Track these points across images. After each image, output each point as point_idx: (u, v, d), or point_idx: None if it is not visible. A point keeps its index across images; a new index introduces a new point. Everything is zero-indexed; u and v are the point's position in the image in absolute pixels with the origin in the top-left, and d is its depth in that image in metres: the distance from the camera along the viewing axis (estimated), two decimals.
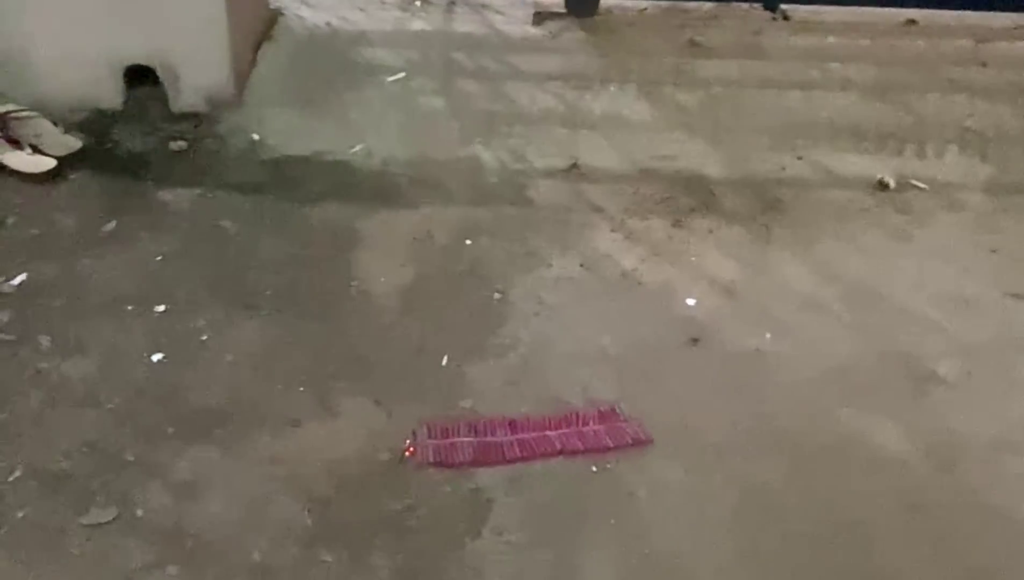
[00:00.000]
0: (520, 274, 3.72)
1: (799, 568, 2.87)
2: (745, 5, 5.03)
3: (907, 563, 2.87)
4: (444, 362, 3.39)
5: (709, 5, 5.05)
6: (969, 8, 4.87)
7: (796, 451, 3.17)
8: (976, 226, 3.95)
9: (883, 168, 4.18)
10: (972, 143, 4.30)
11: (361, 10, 5.02)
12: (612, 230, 3.92)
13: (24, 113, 4.31)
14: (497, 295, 3.64)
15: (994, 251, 3.84)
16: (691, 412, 3.26)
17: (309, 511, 2.94)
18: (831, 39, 4.84)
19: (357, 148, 4.27)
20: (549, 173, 4.17)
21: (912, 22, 4.95)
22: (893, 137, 4.33)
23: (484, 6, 5.03)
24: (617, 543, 2.90)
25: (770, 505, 3.02)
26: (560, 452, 3.13)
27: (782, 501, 3.03)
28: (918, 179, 4.15)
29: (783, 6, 5.00)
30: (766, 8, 4.97)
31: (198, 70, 4.40)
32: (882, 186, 4.11)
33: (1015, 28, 4.85)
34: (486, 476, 3.05)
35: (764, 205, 4.05)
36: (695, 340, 3.49)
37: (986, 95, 4.51)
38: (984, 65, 4.68)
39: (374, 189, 4.09)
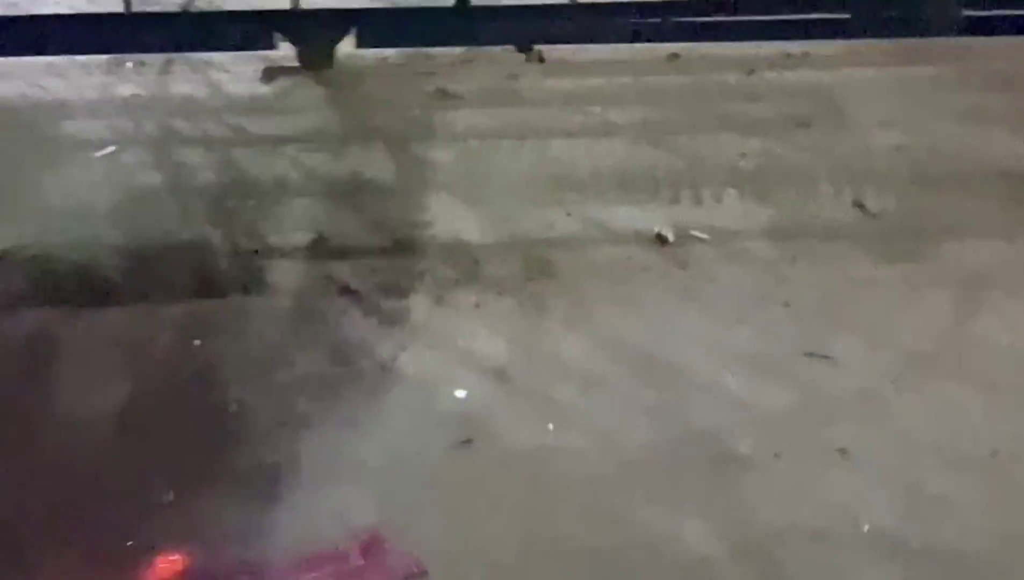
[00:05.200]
0: (259, 378, 3.16)
1: None
2: (497, 48, 4.61)
3: None
4: (170, 498, 2.80)
5: (459, 50, 4.61)
6: (734, 39, 4.55)
7: (596, 565, 2.70)
8: (764, 277, 3.61)
9: (660, 219, 3.81)
10: (749, 184, 3.98)
11: (60, 76, 4.39)
12: (365, 315, 3.41)
13: None
14: (234, 406, 3.07)
15: (786, 305, 3.50)
16: (469, 532, 2.76)
17: None
18: (591, 80, 4.48)
19: (60, 238, 3.64)
20: (289, 252, 3.63)
21: (675, 56, 4.63)
22: (666, 184, 3.98)
23: (206, 63, 4.46)
24: None
25: None
26: None
27: None
28: (698, 229, 3.79)
29: (538, 47, 4.60)
30: (519, 50, 4.56)
31: None
32: (660, 240, 3.74)
33: (784, 57, 4.58)
34: None
35: (534, 270, 3.62)
36: (468, 441, 3.00)
37: (759, 130, 4.21)
38: (753, 99, 4.39)
39: (79, 285, 3.47)
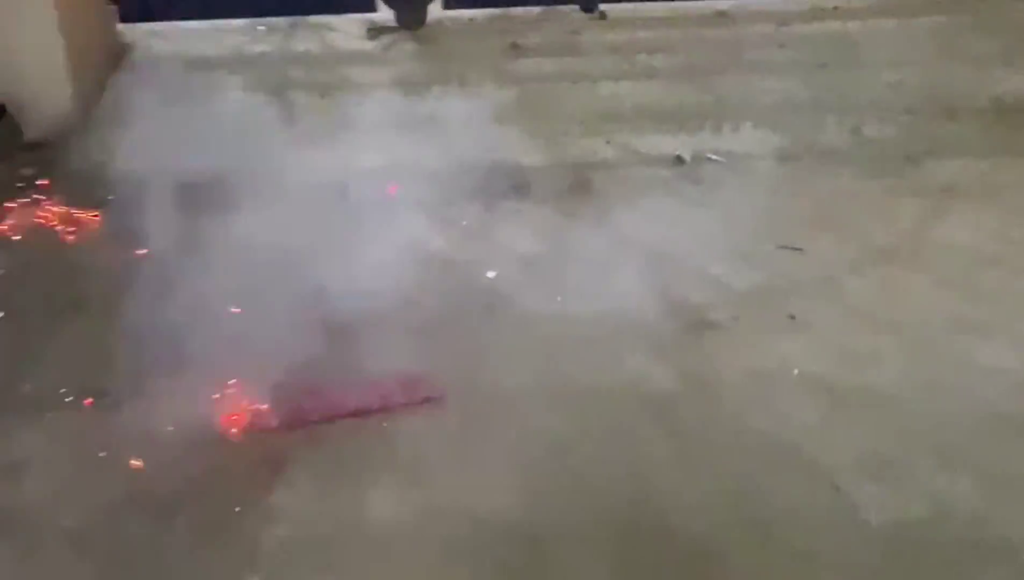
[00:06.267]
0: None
1: (574, 498, 3.15)
2: (568, 8, 5.38)
3: (673, 484, 3.16)
4: None
5: (536, 10, 5.39)
6: None
7: (579, 396, 3.44)
8: (762, 189, 4.29)
9: (682, 145, 4.52)
10: (765, 117, 4.65)
11: (208, 39, 5.34)
12: (428, 217, 4.22)
13: None
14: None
15: (775, 210, 4.18)
16: (483, 371, 3.55)
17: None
18: (643, 33, 5.20)
19: (196, 161, 4.56)
20: (372, 172, 4.47)
21: (722, 13, 5.31)
22: (693, 117, 4.68)
23: (322, 26, 5.35)
24: (399, 487, 3.19)
25: (549, 445, 3.30)
26: (355, 413, 3.41)
27: (561, 441, 3.31)
28: (714, 152, 4.49)
29: (603, 6, 5.35)
30: (584, 10, 5.32)
31: (44, 103, 4.73)
32: (679, 161, 4.45)
33: (817, 10, 5.21)
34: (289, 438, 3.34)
35: (573, 186, 4.38)
36: (491, 307, 3.78)
37: (781, 73, 4.87)
38: (782, 46, 5.04)
39: (211, 196, 4.36)
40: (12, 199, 4.44)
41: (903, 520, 3.01)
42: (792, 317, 3.70)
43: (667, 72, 4.91)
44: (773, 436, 3.29)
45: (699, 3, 5.29)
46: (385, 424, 3.37)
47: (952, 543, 2.89)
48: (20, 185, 4.52)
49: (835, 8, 5.13)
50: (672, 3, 5.28)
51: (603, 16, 5.30)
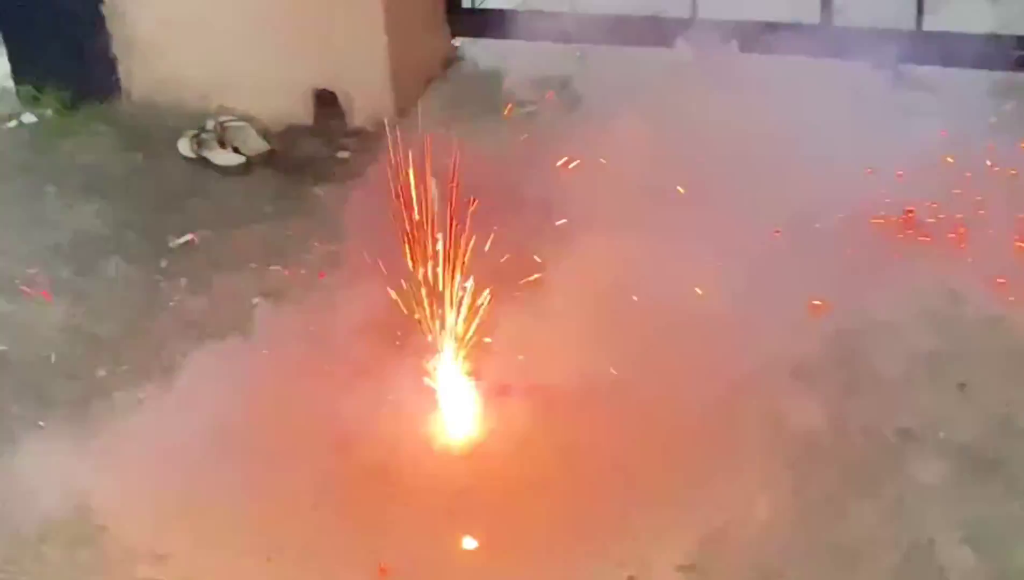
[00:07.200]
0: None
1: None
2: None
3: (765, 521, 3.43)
4: None
5: None
6: None
7: (721, 410, 3.76)
8: (988, 255, 4.35)
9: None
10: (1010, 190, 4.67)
11: (530, 59, 5.85)
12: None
13: (235, 123, 5.57)
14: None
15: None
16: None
17: None
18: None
19: (487, 169, 5.06)
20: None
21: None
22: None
23: (627, 59, 5.73)
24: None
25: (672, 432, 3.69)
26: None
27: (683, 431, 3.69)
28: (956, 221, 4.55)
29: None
30: None
31: (367, 97, 5.52)
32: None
33: None
34: None
35: None
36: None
37: None
38: None
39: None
40: (329, 176, 5.27)
41: None
42: (962, 385, 3.80)
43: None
44: (883, 486, 3.48)
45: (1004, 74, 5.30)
46: None
47: None
48: (335, 166, 5.34)
49: None
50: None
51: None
